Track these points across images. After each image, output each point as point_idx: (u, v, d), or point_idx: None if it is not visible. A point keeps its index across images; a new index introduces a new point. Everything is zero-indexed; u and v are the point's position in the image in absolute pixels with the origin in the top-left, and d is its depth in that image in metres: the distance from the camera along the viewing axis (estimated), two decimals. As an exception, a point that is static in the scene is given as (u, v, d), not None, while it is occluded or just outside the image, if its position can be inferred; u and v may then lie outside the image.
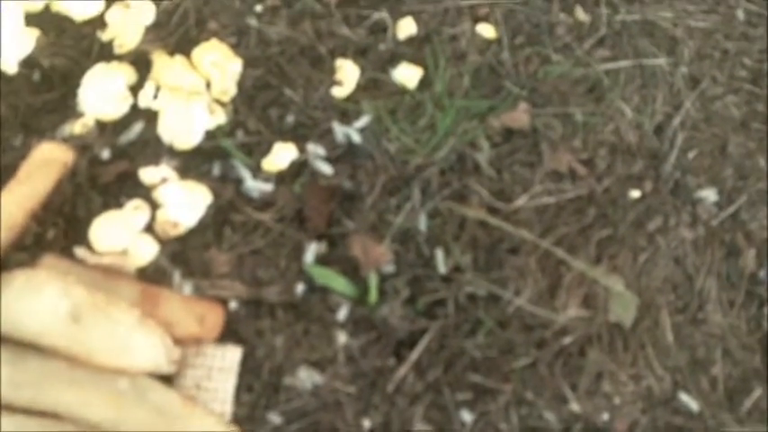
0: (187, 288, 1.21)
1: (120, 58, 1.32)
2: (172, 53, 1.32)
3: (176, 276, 1.22)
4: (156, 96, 1.30)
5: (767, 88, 1.42)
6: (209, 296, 1.21)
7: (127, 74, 1.30)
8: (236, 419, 1.16)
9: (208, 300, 1.20)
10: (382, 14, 1.40)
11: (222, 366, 1.18)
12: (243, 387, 1.19)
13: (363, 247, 1.25)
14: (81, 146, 1.26)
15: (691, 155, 1.37)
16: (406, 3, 1.41)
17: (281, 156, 1.28)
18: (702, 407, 1.26)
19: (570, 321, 1.25)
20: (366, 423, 1.20)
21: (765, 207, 1.36)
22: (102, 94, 1.28)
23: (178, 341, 1.15)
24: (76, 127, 1.26)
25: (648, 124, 1.37)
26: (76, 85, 1.29)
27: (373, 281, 1.22)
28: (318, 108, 1.33)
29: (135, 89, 1.30)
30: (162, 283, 1.21)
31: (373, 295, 1.22)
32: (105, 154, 1.27)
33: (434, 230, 1.28)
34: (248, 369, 1.19)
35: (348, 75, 1.33)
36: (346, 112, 1.33)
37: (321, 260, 1.26)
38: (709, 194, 1.36)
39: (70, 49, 1.33)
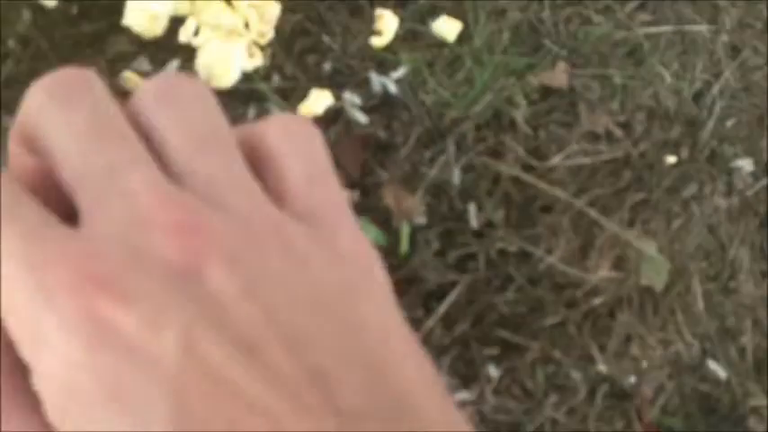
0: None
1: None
2: (212, -7, 1.31)
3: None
4: (196, 33, 1.28)
5: (808, 61, 1.41)
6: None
7: (172, 4, 1.29)
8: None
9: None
10: (423, -33, 1.39)
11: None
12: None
13: (396, 197, 1.24)
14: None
15: (728, 123, 1.36)
16: (447, -43, 1.40)
17: (318, 102, 1.27)
18: (730, 375, 1.25)
19: (601, 282, 1.24)
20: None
21: (801, 180, 1.35)
22: (146, 12, 1.27)
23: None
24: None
25: (687, 91, 1.36)
26: (114, 20, 1.28)
27: (405, 231, 1.21)
28: (356, 57, 1.31)
29: (175, 25, 1.29)
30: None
31: (405, 246, 1.21)
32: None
33: (468, 185, 1.27)
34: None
35: (387, 25, 1.32)
36: (384, 62, 1.31)
37: (353, 209, 1.24)
38: (746, 164, 1.34)
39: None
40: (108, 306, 0.25)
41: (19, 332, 0.26)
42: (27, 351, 0.26)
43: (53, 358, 0.26)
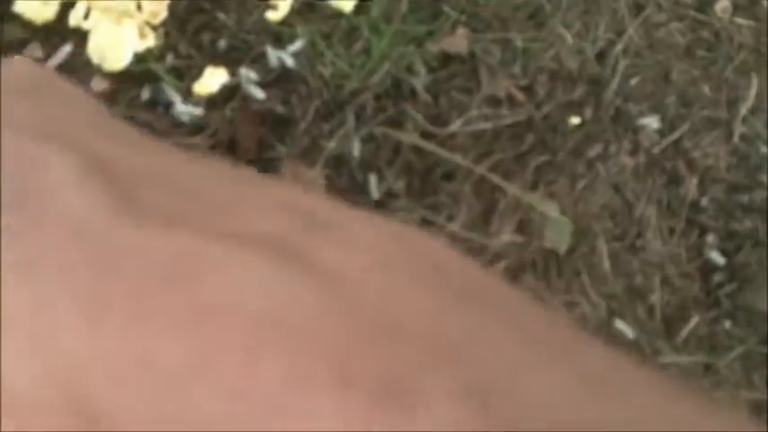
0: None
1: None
2: (102, -25, 1.29)
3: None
4: (86, 17, 1.27)
5: (713, 15, 1.40)
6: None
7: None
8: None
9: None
10: (321, -61, 1.38)
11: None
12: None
13: (294, 171, 1.23)
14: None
15: (633, 82, 1.35)
16: (345, -73, 1.39)
17: (212, 79, 1.26)
18: (638, 334, 1.25)
19: (504, 247, 1.24)
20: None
21: (708, 135, 1.34)
22: None
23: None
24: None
25: (590, 50, 1.35)
26: (5, 8, 1.27)
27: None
28: (252, 32, 1.30)
29: (66, 9, 1.28)
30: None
31: (300, 218, 1.20)
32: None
33: (368, 156, 1.26)
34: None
35: (283, -2, 1.31)
36: (280, 36, 1.30)
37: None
38: (652, 122, 1.34)
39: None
40: None
41: None
42: None
43: None
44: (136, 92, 1.26)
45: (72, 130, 0.28)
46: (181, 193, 0.26)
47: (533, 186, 1.27)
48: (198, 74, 1.27)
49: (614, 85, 1.34)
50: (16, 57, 0.31)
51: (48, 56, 1.26)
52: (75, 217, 0.25)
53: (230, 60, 1.28)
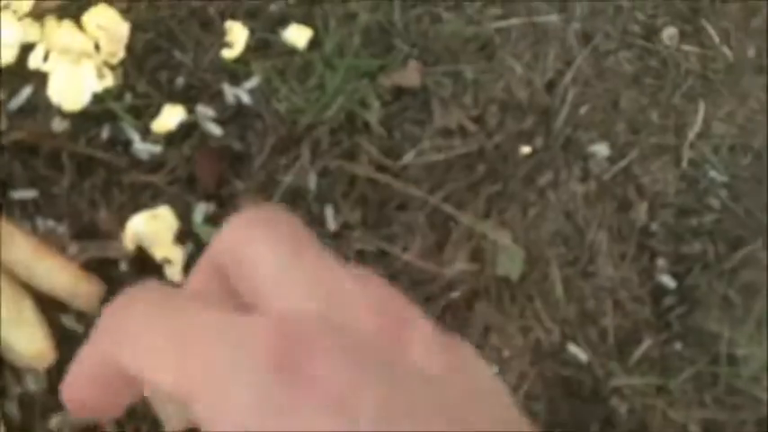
0: (73, 248, 1.22)
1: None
2: (61, 17, 1.32)
3: (64, 237, 1.23)
4: (46, 59, 1.30)
5: (660, 43, 1.43)
6: (96, 257, 1.22)
7: (21, 30, 1.30)
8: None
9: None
10: (276, -24, 1.41)
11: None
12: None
13: (251, 206, 1.26)
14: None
15: (582, 110, 1.38)
16: (299, -36, 1.42)
17: (170, 117, 1.29)
18: (591, 358, 1.28)
19: (457, 275, 1.27)
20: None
21: (657, 161, 1.37)
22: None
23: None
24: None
25: (539, 81, 1.38)
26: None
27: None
28: (208, 70, 1.33)
29: (26, 52, 1.31)
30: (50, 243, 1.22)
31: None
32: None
33: (324, 189, 1.29)
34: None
35: (238, 36, 1.34)
36: (236, 73, 1.33)
37: (211, 221, 1.26)
38: (601, 149, 1.37)
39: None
40: (310, 359, 0.28)
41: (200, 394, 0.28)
42: (198, 402, 0.28)
43: (234, 419, 0.27)
44: (95, 131, 1.29)
45: None
46: None
47: (486, 215, 1.30)
48: (156, 112, 1.30)
49: (564, 113, 1.37)
50: None
51: (8, 98, 1.29)
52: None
53: (187, 98, 1.31)
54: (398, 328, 0.30)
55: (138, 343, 0.30)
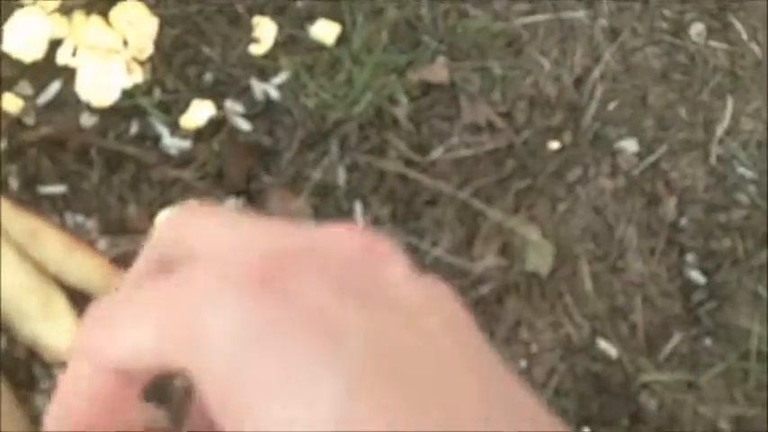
0: (103, 244, 1.22)
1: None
2: (89, 13, 1.32)
3: (93, 233, 1.23)
4: (74, 54, 1.30)
5: (687, 39, 1.43)
6: (126, 252, 1.22)
7: (50, 26, 1.30)
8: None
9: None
10: (303, -27, 1.41)
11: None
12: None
13: (280, 201, 1.26)
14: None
15: (611, 106, 1.38)
16: (327, -39, 1.42)
17: (199, 113, 1.29)
18: (621, 353, 1.27)
19: (487, 270, 1.26)
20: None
21: (686, 156, 1.37)
22: (24, 36, 1.29)
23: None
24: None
25: (568, 77, 1.38)
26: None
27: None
28: (236, 66, 1.33)
29: (54, 47, 1.31)
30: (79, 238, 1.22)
31: (286, 247, 1.23)
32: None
33: (353, 184, 1.29)
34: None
35: (266, 32, 1.34)
36: (264, 69, 1.33)
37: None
38: (630, 145, 1.36)
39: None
40: (293, 276, 0.28)
41: (175, 338, 0.28)
42: (184, 357, 0.28)
43: (219, 354, 0.27)
44: (124, 126, 1.29)
45: None
46: None
47: (515, 210, 1.30)
48: (185, 107, 1.30)
49: (592, 109, 1.37)
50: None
51: (37, 93, 1.29)
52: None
53: (216, 93, 1.31)
54: (377, 261, 0.30)
55: (125, 327, 0.29)
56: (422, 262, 1.26)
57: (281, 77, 1.33)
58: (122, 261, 1.22)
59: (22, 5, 1.31)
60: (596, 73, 1.39)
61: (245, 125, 1.30)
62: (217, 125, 1.30)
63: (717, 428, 1.26)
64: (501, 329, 1.25)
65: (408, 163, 1.30)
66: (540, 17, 1.40)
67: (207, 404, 0.27)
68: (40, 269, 1.16)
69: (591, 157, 1.35)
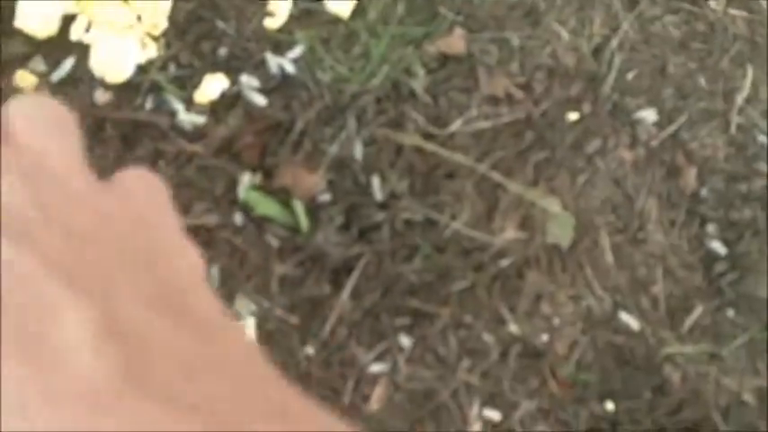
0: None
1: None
2: (102, -12, 1.31)
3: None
4: (87, 30, 1.29)
5: (707, 8, 1.41)
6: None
7: (63, 2, 1.29)
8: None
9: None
10: (316, -55, 1.39)
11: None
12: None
13: (294, 176, 1.25)
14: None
15: (629, 76, 1.36)
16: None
17: (212, 87, 1.28)
18: (643, 326, 1.26)
19: (507, 244, 1.25)
20: (306, 351, 1.20)
21: (705, 126, 1.36)
22: (38, 12, 1.27)
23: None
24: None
25: (586, 47, 1.36)
26: (6, 22, 1.28)
27: (300, 209, 1.22)
28: (251, 40, 1.32)
29: (67, 23, 1.29)
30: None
31: (303, 223, 1.22)
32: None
33: (370, 158, 1.28)
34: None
35: (280, 5, 1.32)
36: (279, 43, 1.32)
37: (257, 191, 1.25)
38: (649, 115, 1.35)
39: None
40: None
41: None
42: None
43: None
44: (139, 102, 1.27)
45: (95, 265, 0.30)
46: (186, 372, 0.29)
47: (534, 183, 1.29)
48: (199, 82, 1.28)
49: (611, 79, 1.35)
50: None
51: (51, 70, 1.28)
52: (86, 384, 0.27)
53: (231, 68, 1.30)
54: None
55: None
56: (441, 236, 1.24)
57: (297, 51, 1.31)
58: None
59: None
60: (615, 42, 1.37)
61: (260, 100, 1.29)
62: (232, 100, 1.28)
63: (741, 400, 1.25)
64: (522, 303, 1.24)
65: (426, 136, 1.29)
66: (557, -13, 1.39)
67: None
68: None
69: (610, 128, 1.33)
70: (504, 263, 1.24)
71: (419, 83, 1.31)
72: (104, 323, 0.28)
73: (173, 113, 1.27)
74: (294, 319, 1.21)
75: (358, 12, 1.34)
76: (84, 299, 0.28)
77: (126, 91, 1.27)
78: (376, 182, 1.26)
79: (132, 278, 0.30)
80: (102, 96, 1.27)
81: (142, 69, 1.28)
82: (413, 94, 1.31)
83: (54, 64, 1.28)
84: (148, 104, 1.27)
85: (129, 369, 0.27)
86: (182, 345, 0.29)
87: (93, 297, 0.28)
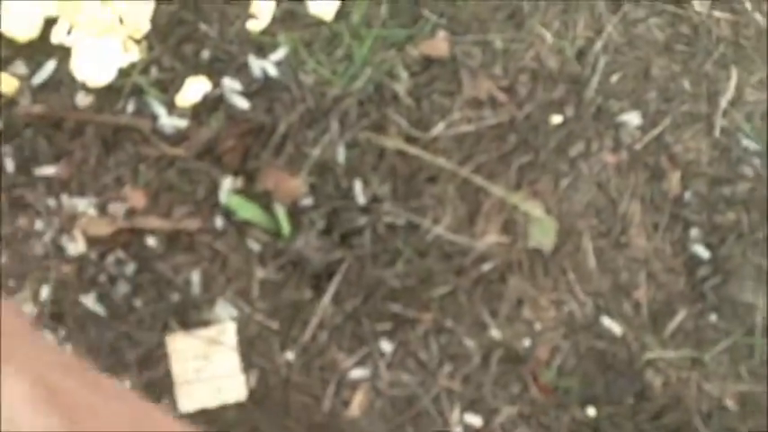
0: (99, 222, 1.20)
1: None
2: (84, -9, 1.30)
3: (91, 212, 1.21)
4: (69, 33, 1.28)
5: (691, 10, 1.40)
6: (126, 230, 1.21)
7: (44, 4, 1.28)
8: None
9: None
10: (300, -54, 1.38)
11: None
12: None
13: (276, 179, 1.25)
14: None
15: (613, 79, 1.36)
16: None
17: (194, 90, 1.27)
18: (625, 330, 1.26)
19: (489, 248, 1.25)
20: (286, 356, 1.20)
21: (689, 129, 1.35)
22: (19, 15, 1.27)
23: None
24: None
25: (570, 49, 1.36)
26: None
27: (282, 213, 1.22)
28: (234, 42, 1.31)
29: (49, 26, 1.29)
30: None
31: (285, 227, 1.22)
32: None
33: (353, 162, 1.27)
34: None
35: (263, 8, 1.32)
36: (262, 45, 1.31)
37: (238, 195, 1.25)
38: (633, 118, 1.35)
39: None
40: None
41: None
42: None
43: None
44: (122, 105, 1.27)
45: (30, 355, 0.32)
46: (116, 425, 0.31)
47: (517, 186, 1.28)
48: (181, 86, 1.28)
49: (595, 82, 1.35)
50: None
51: (32, 73, 1.28)
52: None
53: (213, 71, 1.29)
54: None
55: None
56: (423, 240, 1.24)
57: (280, 54, 1.31)
58: (118, 239, 1.21)
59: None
60: (598, 45, 1.37)
61: (242, 103, 1.28)
62: (214, 103, 1.28)
63: (722, 406, 1.25)
64: (504, 308, 1.24)
65: (409, 139, 1.29)
66: (541, -11, 1.38)
67: None
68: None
69: (593, 131, 1.33)
70: (486, 267, 1.24)
71: (402, 86, 1.31)
72: None
73: (154, 117, 1.27)
74: (275, 324, 1.21)
75: (341, 14, 1.33)
76: None
77: (107, 94, 1.27)
78: (358, 186, 1.26)
79: None
80: (83, 100, 1.27)
81: (124, 72, 1.28)
82: (395, 97, 1.30)
83: (35, 67, 1.28)
84: (130, 108, 1.27)
85: None
86: None
87: None
